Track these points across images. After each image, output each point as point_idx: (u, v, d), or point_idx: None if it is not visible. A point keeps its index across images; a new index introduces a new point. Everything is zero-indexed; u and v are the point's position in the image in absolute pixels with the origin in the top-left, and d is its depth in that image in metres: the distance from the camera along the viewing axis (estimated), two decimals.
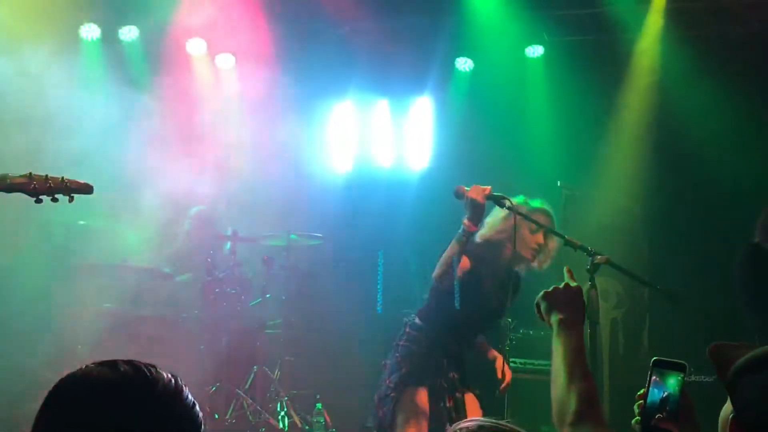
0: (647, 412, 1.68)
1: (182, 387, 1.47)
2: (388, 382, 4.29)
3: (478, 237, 4.33)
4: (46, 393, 1.45)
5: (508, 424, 1.65)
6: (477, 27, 6.97)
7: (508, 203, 3.97)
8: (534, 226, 4.22)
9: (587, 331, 3.48)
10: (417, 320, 4.41)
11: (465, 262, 4.21)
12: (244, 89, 7.45)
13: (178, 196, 6.58)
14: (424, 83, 7.38)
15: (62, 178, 3.22)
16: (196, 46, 7.39)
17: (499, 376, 4.29)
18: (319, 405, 6.14)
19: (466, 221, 4.06)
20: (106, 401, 1.39)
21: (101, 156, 6.08)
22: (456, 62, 7.37)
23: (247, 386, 6.34)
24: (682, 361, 1.70)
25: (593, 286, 3.50)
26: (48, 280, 6.01)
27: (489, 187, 4.04)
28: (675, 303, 3.90)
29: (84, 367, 1.45)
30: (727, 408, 1.59)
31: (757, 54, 6.31)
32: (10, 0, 6.20)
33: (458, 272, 4.23)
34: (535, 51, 7.13)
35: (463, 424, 1.66)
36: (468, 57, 7.35)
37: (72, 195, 3.23)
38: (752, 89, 6.28)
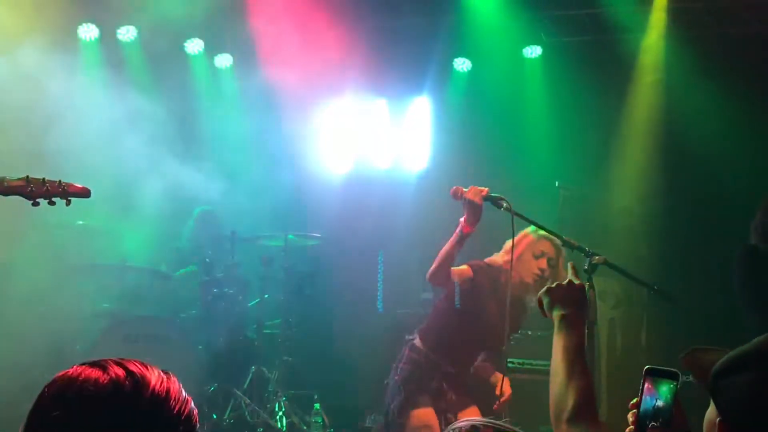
0: (641, 420, 1.68)
1: (173, 387, 1.44)
2: (392, 407, 4.33)
3: (487, 260, 4.36)
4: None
5: (504, 424, 1.66)
6: (475, 27, 6.98)
7: (505, 204, 3.98)
8: (538, 252, 4.24)
9: (585, 331, 3.48)
10: (417, 341, 4.44)
11: (467, 280, 4.22)
12: (242, 89, 7.46)
13: (176, 196, 6.59)
14: (422, 84, 7.38)
15: (59, 181, 3.22)
16: (194, 46, 7.39)
17: (498, 393, 4.27)
18: (317, 405, 6.14)
19: (462, 222, 4.06)
20: (94, 407, 1.37)
21: (100, 156, 6.07)
22: (454, 63, 7.38)
23: (245, 386, 6.34)
24: (675, 370, 1.70)
25: (591, 286, 3.50)
26: (46, 280, 6.00)
27: (486, 188, 4.04)
28: (672, 303, 3.90)
29: (74, 368, 1.43)
30: (712, 411, 1.60)
31: (757, 55, 6.32)
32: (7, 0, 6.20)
33: (460, 287, 4.25)
34: (533, 51, 7.14)
35: (457, 424, 1.67)
36: (466, 57, 7.36)
37: (69, 198, 3.24)
38: (751, 90, 6.29)
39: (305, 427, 6.17)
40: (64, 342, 5.99)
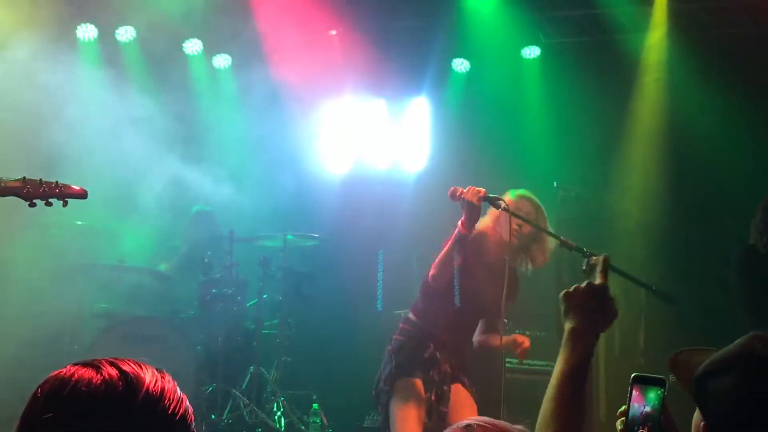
0: (629, 427, 1.68)
1: (168, 387, 1.42)
2: (382, 376, 4.29)
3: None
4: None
5: (501, 422, 1.64)
6: (473, 28, 6.98)
7: (503, 205, 3.98)
8: (515, 211, 4.21)
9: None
10: (411, 316, 4.42)
11: (457, 258, 4.21)
12: (240, 89, 7.46)
13: (174, 197, 6.59)
14: (421, 84, 7.38)
15: (56, 182, 3.22)
16: (192, 46, 7.40)
17: (515, 349, 4.27)
18: (315, 405, 6.14)
19: (460, 223, 4.07)
20: (87, 408, 1.35)
21: (98, 156, 6.08)
22: (453, 63, 7.38)
23: (243, 386, 6.34)
24: (662, 376, 1.70)
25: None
26: (45, 280, 6.00)
27: (484, 189, 4.05)
28: (671, 304, 3.91)
29: (67, 368, 1.41)
30: (698, 415, 1.60)
31: (757, 55, 6.32)
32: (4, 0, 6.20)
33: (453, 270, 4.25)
34: (532, 52, 7.14)
35: (455, 424, 1.66)
36: (464, 58, 7.36)
37: (66, 200, 3.23)
38: (751, 90, 6.30)
39: (304, 428, 6.17)
40: (62, 342, 5.99)
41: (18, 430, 1.38)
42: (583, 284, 1.97)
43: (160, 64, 7.17)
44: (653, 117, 6.71)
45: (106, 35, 7.17)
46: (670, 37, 6.56)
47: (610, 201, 6.71)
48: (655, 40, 6.59)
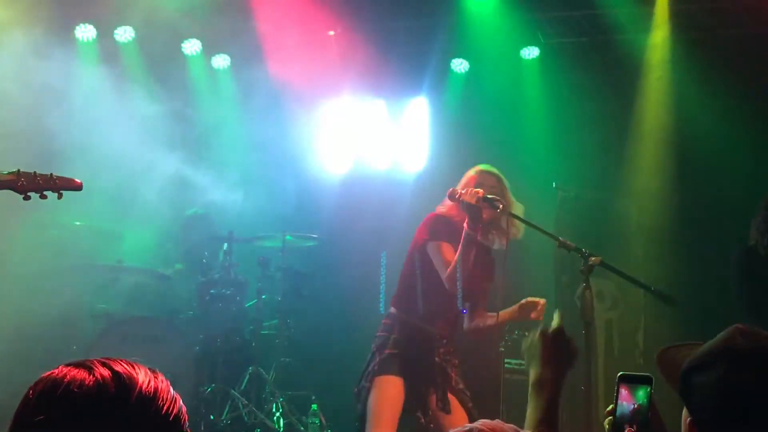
0: (617, 426, 1.69)
1: (161, 387, 1.41)
2: (364, 374, 4.27)
3: (438, 212, 4.34)
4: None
5: (498, 424, 1.64)
6: (472, 28, 6.98)
7: (501, 206, 3.98)
8: (478, 184, 4.19)
9: (582, 332, 3.49)
10: (392, 309, 4.40)
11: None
12: (240, 90, 7.46)
13: (173, 197, 6.59)
14: (420, 84, 7.38)
15: (51, 174, 3.20)
16: (191, 47, 7.39)
17: (529, 314, 4.16)
18: (314, 406, 6.14)
19: (465, 224, 4.09)
20: (79, 409, 1.34)
21: (97, 157, 6.07)
22: (452, 63, 7.38)
23: (242, 387, 6.33)
24: (648, 374, 1.71)
25: (588, 287, 3.51)
26: (44, 280, 6.00)
27: (482, 190, 4.06)
28: (670, 305, 3.91)
29: (59, 368, 1.40)
30: (686, 411, 1.61)
31: (757, 56, 6.32)
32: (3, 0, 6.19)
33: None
34: (531, 52, 7.14)
35: (458, 428, 1.66)
36: (463, 58, 7.36)
37: (61, 192, 3.21)
38: (751, 91, 6.30)
39: (303, 428, 6.16)
40: (61, 343, 5.98)
41: (10, 429, 1.37)
42: (538, 334, 1.96)
43: (159, 64, 7.17)
44: (653, 117, 6.71)
45: (104, 35, 7.16)
46: (671, 37, 6.56)
47: (609, 201, 6.71)
48: (657, 40, 6.59)
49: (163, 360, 5.62)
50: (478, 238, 4.13)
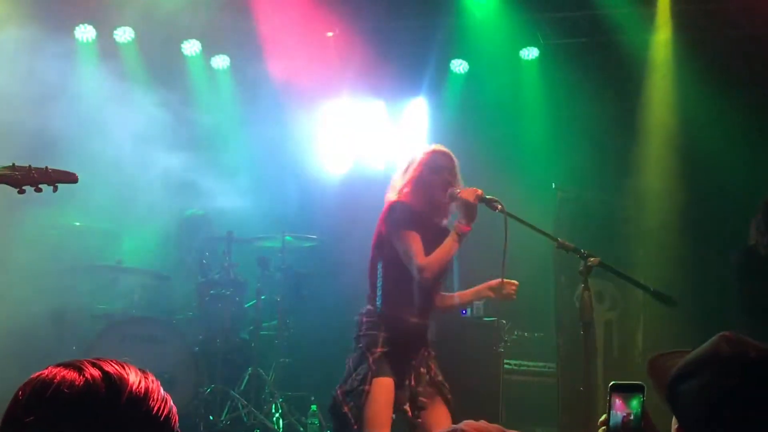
0: None
1: (152, 387, 1.40)
2: (355, 375, 4.18)
3: (396, 200, 4.31)
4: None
5: (482, 425, 1.63)
6: (472, 29, 6.99)
7: (499, 206, 3.98)
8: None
9: (581, 333, 3.49)
10: (368, 306, 4.39)
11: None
12: (239, 90, 7.46)
13: (172, 197, 6.59)
14: (419, 85, 7.39)
15: (46, 167, 3.18)
16: (191, 47, 7.39)
17: (498, 295, 4.19)
18: (314, 407, 6.14)
19: (457, 223, 4.09)
20: (69, 409, 1.33)
21: (97, 157, 6.07)
22: (451, 64, 7.38)
23: (242, 388, 6.34)
24: (640, 383, 1.71)
25: (586, 288, 3.51)
26: (43, 281, 6.00)
27: (481, 189, 4.06)
28: (669, 305, 3.91)
29: (49, 369, 1.39)
30: (675, 419, 1.61)
31: (757, 57, 6.33)
32: (3, 1, 6.19)
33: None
34: (530, 53, 7.15)
35: (444, 429, 1.65)
36: (463, 59, 7.37)
37: (56, 185, 3.19)
38: (751, 91, 6.30)
39: (302, 429, 6.17)
40: (61, 343, 5.99)
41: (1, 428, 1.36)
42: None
43: (159, 64, 7.17)
44: (652, 118, 6.71)
45: (104, 36, 7.16)
46: (673, 38, 6.57)
47: (608, 202, 6.71)
48: (660, 39, 6.59)
49: (163, 360, 5.62)
50: (466, 230, 4.12)
